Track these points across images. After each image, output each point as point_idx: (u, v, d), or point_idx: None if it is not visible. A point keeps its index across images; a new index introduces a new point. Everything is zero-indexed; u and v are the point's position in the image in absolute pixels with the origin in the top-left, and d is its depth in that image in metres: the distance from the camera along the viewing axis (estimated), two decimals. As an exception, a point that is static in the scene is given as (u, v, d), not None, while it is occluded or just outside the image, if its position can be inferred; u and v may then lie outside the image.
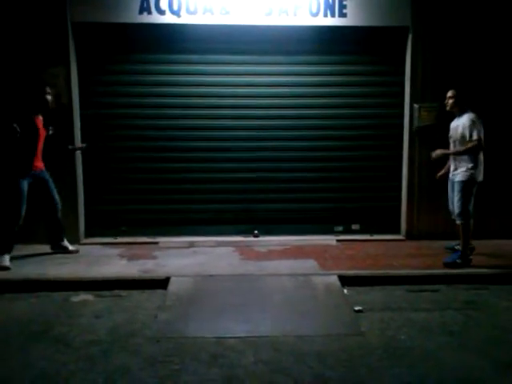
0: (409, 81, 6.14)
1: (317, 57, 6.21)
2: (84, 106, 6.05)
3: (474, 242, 5.41)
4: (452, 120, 5.35)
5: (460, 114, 5.21)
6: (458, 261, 5.20)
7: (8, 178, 5.11)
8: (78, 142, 5.97)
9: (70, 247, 5.64)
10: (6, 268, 5.04)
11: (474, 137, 5.01)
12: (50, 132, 5.37)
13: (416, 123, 6.11)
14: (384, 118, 6.33)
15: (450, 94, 5.26)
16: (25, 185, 5.16)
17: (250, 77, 6.19)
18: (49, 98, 5.24)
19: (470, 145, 5.03)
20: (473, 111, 5.13)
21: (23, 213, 5.16)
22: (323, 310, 4.25)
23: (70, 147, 5.65)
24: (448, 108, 5.32)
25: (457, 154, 5.17)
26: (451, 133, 5.32)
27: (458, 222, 5.25)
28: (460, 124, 5.14)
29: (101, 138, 6.13)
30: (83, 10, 5.77)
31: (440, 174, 5.61)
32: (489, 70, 6.07)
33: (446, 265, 5.19)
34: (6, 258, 5.12)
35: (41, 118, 5.28)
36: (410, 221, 6.28)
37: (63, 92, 5.79)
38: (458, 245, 5.39)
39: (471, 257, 5.26)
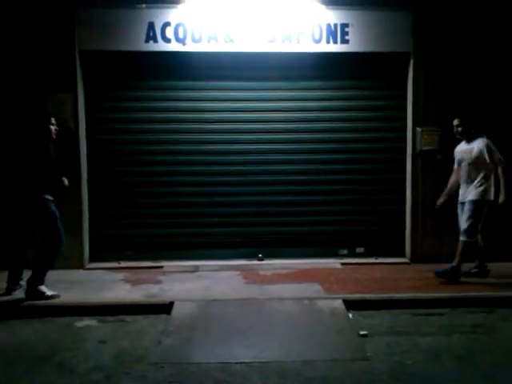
0: (411, 105, 6.21)
1: (320, 82, 6.30)
2: (90, 131, 6.14)
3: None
4: (457, 144, 5.49)
5: (471, 139, 5.35)
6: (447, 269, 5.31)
7: (37, 202, 4.86)
8: (85, 168, 6.04)
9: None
10: (52, 296, 4.89)
11: (499, 157, 5.19)
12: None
13: (418, 147, 6.15)
14: (387, 142, 6.38)
15: (456, 122, 5.41)
16: (54, 208, 4.92)
17: (254, 102, 6.28)
18: (52, 128, 5.05)
19: (503, 166, 5.20)
20: (484, 135, 5.30)
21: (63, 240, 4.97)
22: (328, 334, 4.21)
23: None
24: (458, 136, 5.45)
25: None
26: (463, 156, 5.41)
27: (462, 238, 5.29)
28: (475, 147, 5.27)
29: (106, 164, 6.20)
30: (90, 38, 5.90)
31: (440, 201, 5.64)
32: (490, 93, 6.12)
33: (438, 275, 5.34)
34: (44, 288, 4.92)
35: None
36: (415, 244, 6.26)
37: (70, 118, 5.86)
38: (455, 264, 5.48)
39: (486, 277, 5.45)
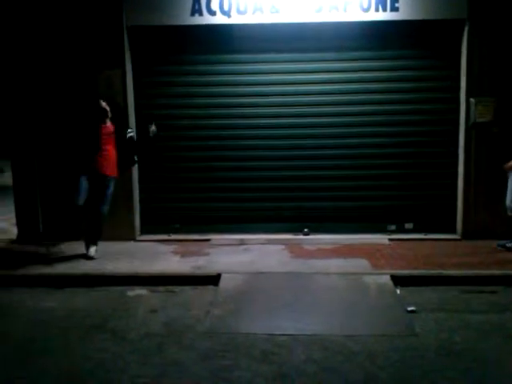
0: (465, 75, 5.93)
1: (369, 52, 6.10)
2: (138, 107, 6.24)
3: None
4: None
5: None
6: None
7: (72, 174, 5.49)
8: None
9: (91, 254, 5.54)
10: (91, 258, 5.44)
11: None
12: (152, 133, 5.71)
13: (473, 119, 5.89)
14: (438, 114, 6.14)
15: None
16: (82, 180, 5.39)
17: (302, 74, 6.17)
18: (107, 108, 5.47)
19: None
20: None
21: (80, 203, 5.39)
22: (375, 309, 4.20)
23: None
24: None
25: None
26: None
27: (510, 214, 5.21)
28: None
29: (155, 138, 6.29)
30: (138, 13, 5.95)
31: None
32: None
33: None
34: (92, 249, 5.52)
35: (108, 125, 5.48)
36: (466, 220, 6.06)
37: (119, 93, 5.98)
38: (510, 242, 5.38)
39: None
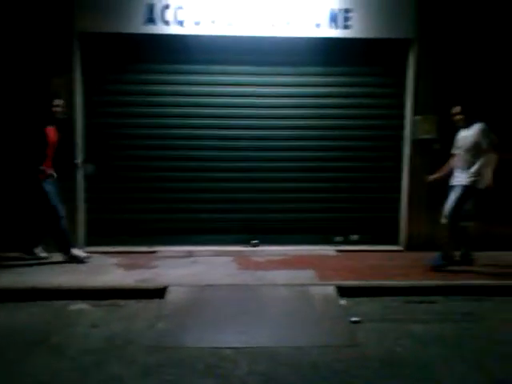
0: (410, 93, 6.16)
1: (320, 68, 6.24)
2: (88, 115, 6.09)
3: (476, 253, 5.49)
4: (457, 131, 5.45)
5: (468, 126, 5.32)
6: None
7: (32, 182, 5.36)
8: (80, 152, 6.00)
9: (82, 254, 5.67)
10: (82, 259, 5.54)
11: (491, 143, 5.15)
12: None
13: (417, 135, 6.12)
14: (384, 130, 6.34)
15: (456, 110, 5.36)
16: (49, 187, 5.34)
17: (254, 87, 6.23)
18: (58, 109, 5.39)
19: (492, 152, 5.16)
20: (480, 121, 5.24)
21: (62, 213, 5.45)
22: (320, 320, 4.23)
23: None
24: (457, 124, 5.41)
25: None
26: (460, 143, 5.39)
27: (444, 221, 5.38)
28: (470, 134, 5.24)
29: (103, 147, 6.17)
30: (89, 20, 5.83)
31: (433, 177, 5.64)
32: (492, 81, 6.06)
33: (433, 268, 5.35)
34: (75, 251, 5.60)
35: (52, 128, 5.41)
36: (410, 232, 6.27)
37: (66, 101, 5.81)
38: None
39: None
